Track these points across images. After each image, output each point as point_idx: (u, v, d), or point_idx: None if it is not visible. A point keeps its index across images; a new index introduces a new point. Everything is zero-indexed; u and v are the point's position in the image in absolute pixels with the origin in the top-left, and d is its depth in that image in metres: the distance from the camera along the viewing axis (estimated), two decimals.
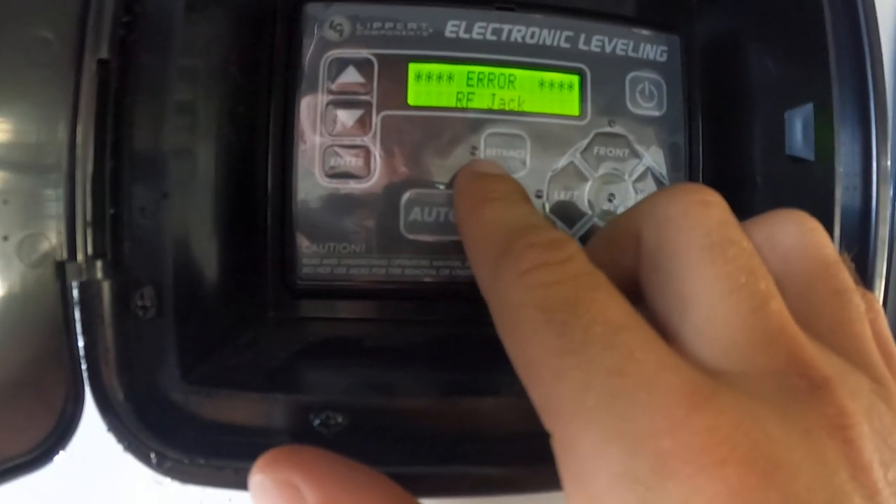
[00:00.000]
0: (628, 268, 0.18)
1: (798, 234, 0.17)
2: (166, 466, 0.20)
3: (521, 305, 0.15)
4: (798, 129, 0.25)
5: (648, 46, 0.27)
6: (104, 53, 0.19)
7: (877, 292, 0.25)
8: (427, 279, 0.25)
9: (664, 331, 0.16)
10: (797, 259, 0.17)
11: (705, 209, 0.16)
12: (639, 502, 0.13)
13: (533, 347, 0.15)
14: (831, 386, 0.14)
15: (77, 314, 0.20)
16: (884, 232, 0.24)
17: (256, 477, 0.18)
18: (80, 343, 0.20)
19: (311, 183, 0.25)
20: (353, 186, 0.25)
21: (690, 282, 0.15)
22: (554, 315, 0.15)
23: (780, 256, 0.17)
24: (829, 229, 0.24)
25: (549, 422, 0.15)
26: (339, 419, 0.20)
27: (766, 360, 0.14)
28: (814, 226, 0.18)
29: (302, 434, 0.20)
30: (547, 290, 0.15)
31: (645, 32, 0.27)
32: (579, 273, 0.16)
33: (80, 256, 0.20)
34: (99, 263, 0.20)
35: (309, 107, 0.25)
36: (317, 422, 0.20)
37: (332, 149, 0.25)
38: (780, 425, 0.13)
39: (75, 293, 0.20)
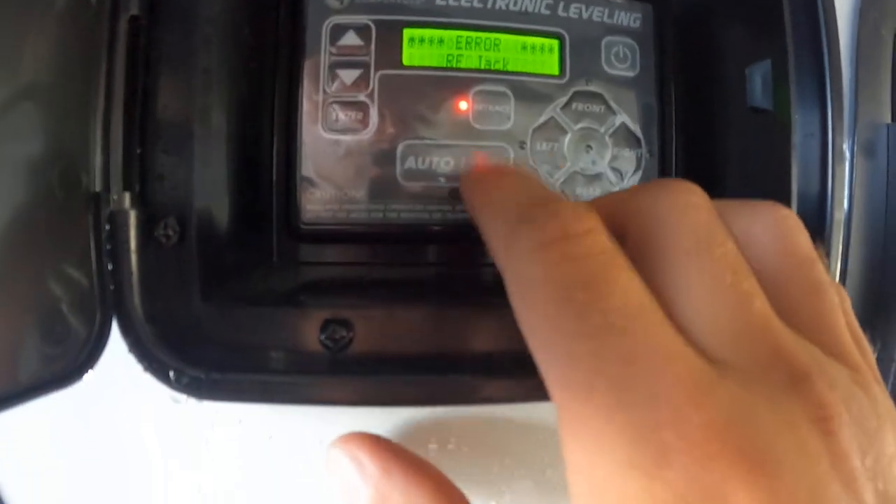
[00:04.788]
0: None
1: (775, 232, 0.18)
2: (184, 382, 0.22)
3: (539, 280, 0.15)
4: (758, 83, 0.27)
5: (623, 14, 0.29)
6: (135, 10, 0.22)
7: (835, 237, 0.27)
8: (421, 223, 0.27)
9: (659, 298, 0.16)
10: (774, 255, 0.18)
11: (694, 212, 0.17)
12: (639, 490, 0.13)
13: (549, 327, 0.15)
14: (812, 379, 0.15)
15: (106, 241, 0.22)
16: (841, 172, 0.26)
17: (331, 451, 0.21)
18: (109, 268, 0.22)
19: (314, 136, 0.27)
20: (352, 138, 0.27)
21: (679, 278, 0.16)
22: (574, 293, 0.15)
23: (758, 252, 0.18)
24: (787, 172, 0.26)
25: (558, 398, 0.15)
26: (345, 333, 0.22)
27: (753, 353, 0.15)
28: (791, 224, 0.18)
29: (309, 348, 0.22)
30: (568, 266, 0.15)
31: (619, 1, 0.29)
32: (602, 249, 0.16)
33: (112, 188, 0.22)
34: (127, 195, 0.22)
35: (312, 67, 0.27)
36: (322, 336, 0.22)
37: (334, 105, 0.27)
38: (768, 418, 0.14)
39: (105, 222, 0.22)
